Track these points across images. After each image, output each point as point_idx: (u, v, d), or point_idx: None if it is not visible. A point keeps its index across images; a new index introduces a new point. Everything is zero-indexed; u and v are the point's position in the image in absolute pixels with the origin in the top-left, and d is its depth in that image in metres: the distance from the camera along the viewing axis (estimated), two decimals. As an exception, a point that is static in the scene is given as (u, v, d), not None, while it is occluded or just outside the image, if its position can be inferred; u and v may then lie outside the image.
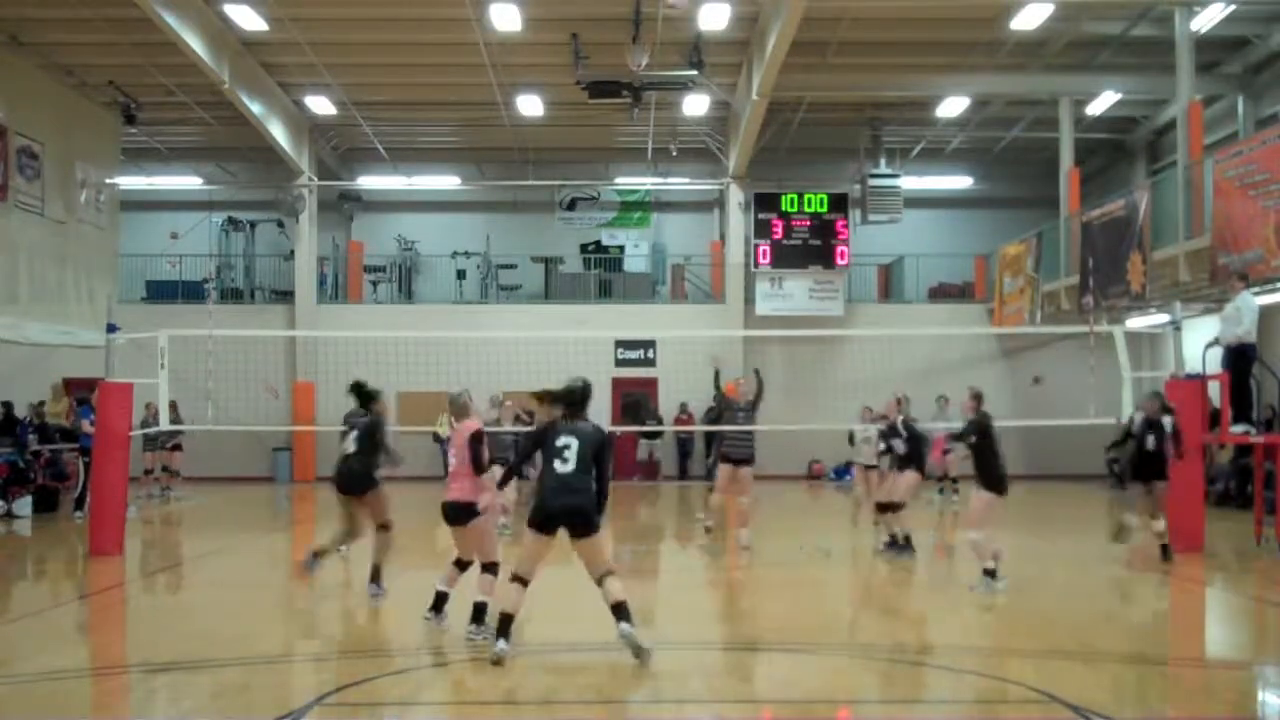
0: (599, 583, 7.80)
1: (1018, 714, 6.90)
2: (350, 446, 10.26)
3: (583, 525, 7.74)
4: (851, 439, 16.14)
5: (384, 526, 10.44)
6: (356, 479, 10.27)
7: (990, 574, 10.66)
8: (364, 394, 10.49)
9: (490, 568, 8.72)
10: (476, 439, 8.80)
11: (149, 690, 7.56)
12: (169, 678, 7.73)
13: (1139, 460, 12.57)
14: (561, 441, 7.75)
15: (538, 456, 7.99)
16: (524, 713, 6.94)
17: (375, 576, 10.33)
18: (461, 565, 9.01)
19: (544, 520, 7.78)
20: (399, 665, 8.10)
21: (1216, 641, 9.80)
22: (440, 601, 8.90)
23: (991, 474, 10.71)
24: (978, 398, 11.06)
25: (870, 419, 15.53)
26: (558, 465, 7.72)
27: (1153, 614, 10.95)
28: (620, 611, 7.63)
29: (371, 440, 10.27)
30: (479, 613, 8.50)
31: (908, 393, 14.22)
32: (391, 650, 8.57)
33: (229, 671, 7.83)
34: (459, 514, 8.80)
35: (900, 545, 13.14)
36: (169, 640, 8.91)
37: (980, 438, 10.76)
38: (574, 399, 7.99)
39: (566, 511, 7.70)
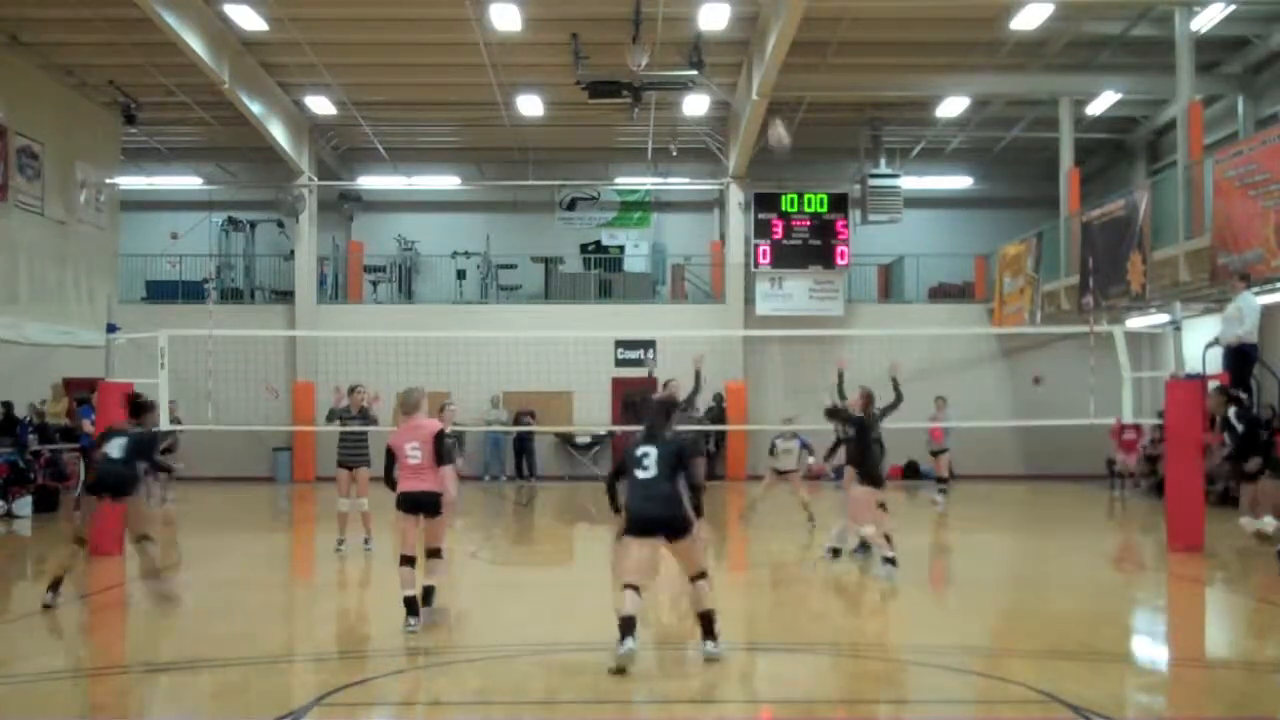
0: (691, 582, 7.97)
1: (1018, 714, 6.89)
2: (115, 453, 10.23)
3: (673, 529, 7.88)
4: (772, 449, 16.22)
5: (145, 537, 10.36)
6: (123, 481, 10.23)
7: (891, 561, 11.38)
8: (138, 405, 10.64)
9: (437, 552, 9.33)
10: (441, 437, 9.23)
11: (148, 690, 7.56)
12: (168, 678, 7.74)
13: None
14: (640, 451, 8.00)
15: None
16: (524, 712, 6.93)
17: (153, 576, 10.27)
18: (410, 561, 9.13)
19: (638, 528, 7.93)
20: (398, 665, 8.11)
21: (1216, 641, 9.80)
22: (412, 606, 8.92)
23: (872, 469, 11.63)
24: (868, 397, 11.91)
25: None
26: (639, 473, 7.95)
27: (1152, 613, 10.94)
28: (706, 624, 7.84)
29: (140, 452, 10.36)
30: (429, 595, 9.16)
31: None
32: (390, 650, 8.55)
33: (229, 671, 7.83)
34: (432, 503, 9.13)
35: (836, 551, 12.90)
36: (168, 640, 8.91)
37: (860, 434, 11.64)
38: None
39: (656, 518, 7.86)
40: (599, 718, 6.88)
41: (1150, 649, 9.30)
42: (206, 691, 7.36)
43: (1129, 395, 14.82)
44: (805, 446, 15.78)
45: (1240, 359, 12.88)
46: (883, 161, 26.16)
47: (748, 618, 10.31)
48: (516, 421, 24.60)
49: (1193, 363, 15.85)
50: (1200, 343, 17.15)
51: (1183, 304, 17.69)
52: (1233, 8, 18.94)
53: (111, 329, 14.14)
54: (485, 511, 19.87)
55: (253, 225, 28.32)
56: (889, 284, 28.60)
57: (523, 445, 25.63)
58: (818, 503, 16.13)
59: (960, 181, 28.93)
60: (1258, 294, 14.47)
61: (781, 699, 7.30)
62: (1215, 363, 13.80)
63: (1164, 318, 17.05)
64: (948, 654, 8.26)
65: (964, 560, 14.16)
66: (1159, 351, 20.17)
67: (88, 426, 17.53)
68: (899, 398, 12.31)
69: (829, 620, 10.15)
